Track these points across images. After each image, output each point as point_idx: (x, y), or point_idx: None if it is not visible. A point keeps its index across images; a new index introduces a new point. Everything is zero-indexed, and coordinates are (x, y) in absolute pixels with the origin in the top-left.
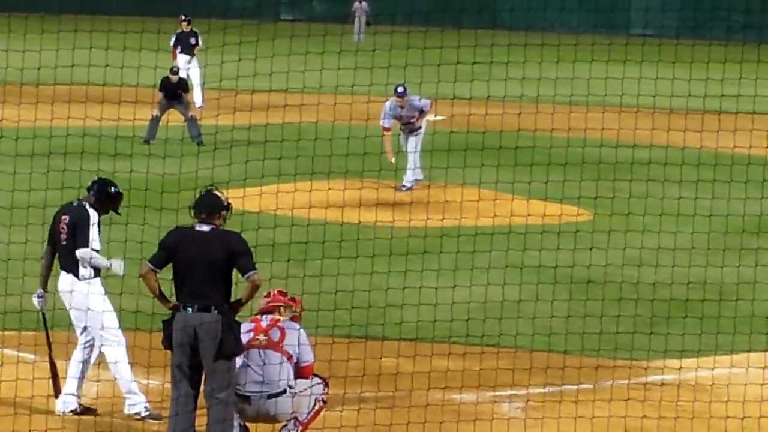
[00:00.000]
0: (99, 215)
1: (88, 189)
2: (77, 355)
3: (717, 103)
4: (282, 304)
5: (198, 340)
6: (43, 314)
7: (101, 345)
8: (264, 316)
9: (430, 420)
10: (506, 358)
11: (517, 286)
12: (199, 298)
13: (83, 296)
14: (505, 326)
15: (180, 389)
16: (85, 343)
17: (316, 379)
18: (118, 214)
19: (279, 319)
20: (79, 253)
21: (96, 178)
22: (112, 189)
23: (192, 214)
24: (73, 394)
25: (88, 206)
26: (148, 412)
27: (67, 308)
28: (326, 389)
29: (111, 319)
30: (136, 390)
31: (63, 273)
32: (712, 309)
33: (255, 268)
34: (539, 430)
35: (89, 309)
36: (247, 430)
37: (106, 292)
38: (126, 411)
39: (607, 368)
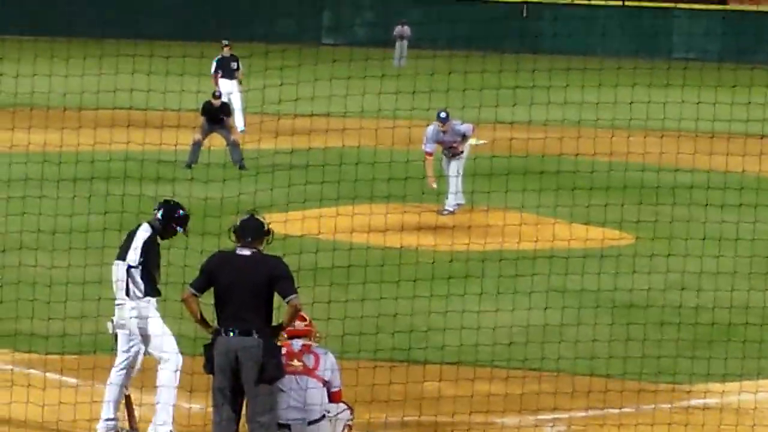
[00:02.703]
0: (155, 235)
1: (155, 210)
2: (116, 378)
3: (760, 126)
4: (313, 329)
5: (239, 364)
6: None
7: (160, 367)
8: (294, 341)
9: None
10: (548, 382)
11: (559, 310)
12: (240, 322)
13: (136, 317)
14: (547, 350)
15: (222, 413)
16: (122, 364)
17: (343, 406)
18: (186, 235)
19: (311, 345)
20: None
21: (163, 201)
22: (180, 212)
23: (233, 238)
24: (113, 419)
25: (145, 224)
26: None
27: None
28: (352, 415)
29: (170, 342)
30: (172, 416)
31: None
32: (755, 333)
33: (296, 292)
34: None
35: (147, 332)
36: None
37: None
38: None
39: (649, 392)
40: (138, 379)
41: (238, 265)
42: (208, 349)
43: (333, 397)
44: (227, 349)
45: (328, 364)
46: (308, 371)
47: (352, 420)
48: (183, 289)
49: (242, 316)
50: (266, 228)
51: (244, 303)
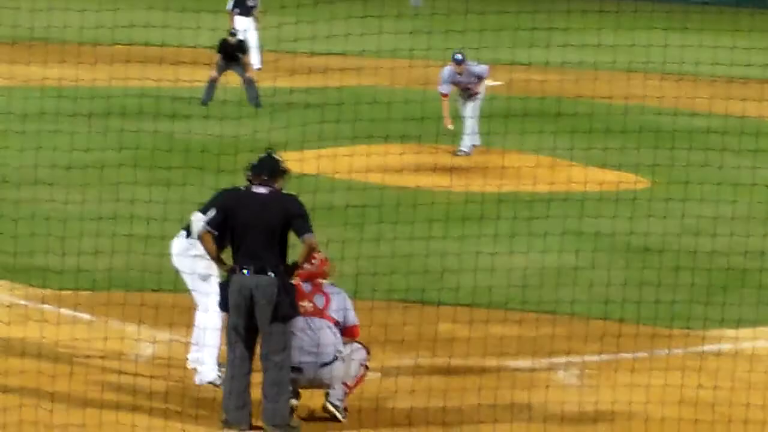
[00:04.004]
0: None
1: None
2: (208, 321)
3: None
4: (326, 267)
5: (254, 303)
6: None
7: (198, 309)
8: (305, 282)
9: (485, 386)
10: (562, 326)
11: (573, 253)
12: (255, 260)
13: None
14: (561, 293)
15: (236, 351)
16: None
17: (358, 345)
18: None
19: (321, 284)
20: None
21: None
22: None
23: (248, 176)
24: (213, 363)
25: None
26: (221, 380)
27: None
28: (368, 355)
29: (215, 284)
30: (217, 360)
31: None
32: None
33: (311, 231)
34: (595, 398)
35: (195, 272)
36: (299, 394)
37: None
38: (199, 380)
39: (663, 337)
40: (169, 316)
41: (254, 203)
42: (224, 287)
43: (350, 333)
44: (242, 286)
45: (338, 303)
46: (319, 312)
47: (368, 360)
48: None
49: (258, 254)
50: (283, 167)
51: (259, 241)
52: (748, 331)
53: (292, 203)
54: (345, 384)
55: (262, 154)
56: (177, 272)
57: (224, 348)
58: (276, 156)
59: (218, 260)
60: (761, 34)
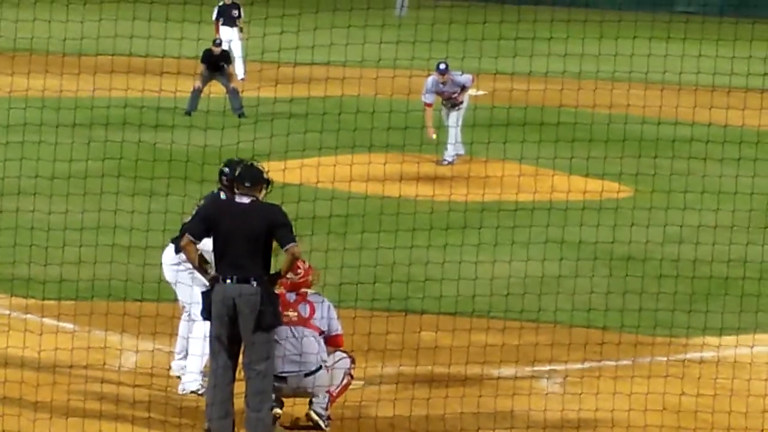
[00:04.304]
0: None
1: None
2: (193, 330)
3: (760, 81)
4: (311, 276)
5: (237, 312)
6: None
7: (188, 318)
8: (290, 291)
9: (468, 395)
10: (545, 334)
11: (557, 261)
12: (238, 270)
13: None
14: (544, 302)
15: (219, 360)
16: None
17: (343, 354)
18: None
19: (306, 293)
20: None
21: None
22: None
23: (224, 183)
24: (197, 373)
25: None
26: (204, 389)
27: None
28: (353, 364)
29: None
30: (201, 369)
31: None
32: (752, 287)
33: (295, 240)
34: (577, 406)
35: (179, 282)
36: (282, 403)
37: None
38: (182, 389)
39: (646, 345)
40: (151, 326)
41: (237, 213)
42: (206, 296)
43: (334, 342)
44: (225, 296)
45: (323, 312)
46: (303, 321)
47: (353, 369)
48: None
49: (241, 264)
50: (265, 176)
51: (242, 251)
52: (731, 339)
53: (275, 213)
54: (329, 392)
55: (245, 164)
56: (168, 282)
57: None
58: (258, 166)
59: (201, 269)
60: (744, 43)
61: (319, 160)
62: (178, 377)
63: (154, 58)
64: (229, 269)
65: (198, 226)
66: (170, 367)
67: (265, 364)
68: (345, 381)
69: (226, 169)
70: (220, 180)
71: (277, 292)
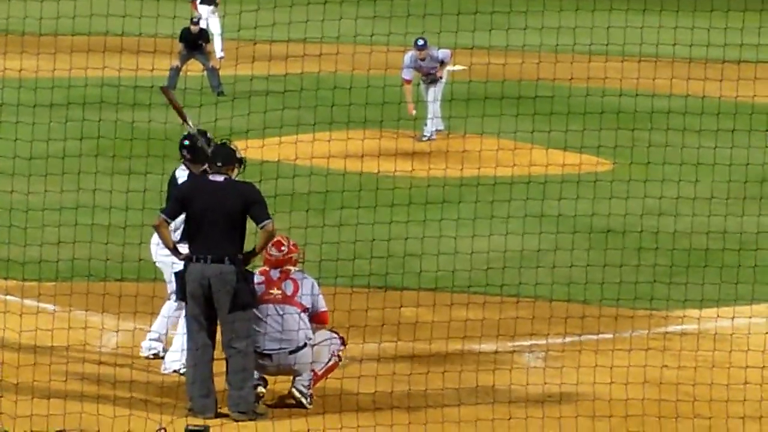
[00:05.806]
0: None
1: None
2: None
3: (737, 52)
4: (295, 254)
5: (212, 291)
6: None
7: (170, 296)
8: (274, 269)
9: (449, 369)
10: (526, 308)
11: (536, 235)
12: (213, 249)
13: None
14: (524, 276)
15: (197, 340)
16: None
17: (333, 334)
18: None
19: (290, 271)
20: None
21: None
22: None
23: (186, 157)
24: (179, 351)
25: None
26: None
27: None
28: (343, 347)
29: None
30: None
31: None
32: (732, 258)
33: (270, 217)
34: (559, 380)
35: (162, 262)
36: (266, 381)
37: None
38: (165, 368)
39: (626, 318)
40: (132, 305)
41: (211, 191)
42: (180, 276)
43: (319, 319)
44: (200, 275)
45: (307, 289)
46: (287, 299)
47: (341, 350)
48: (155, 216)
49: (215, 243)
50: (238, 155)
51: (217, 229)
52: (711, 311)
53: (249, 190)
54: (313, 371)
55: (218, 143)
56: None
57: None
58: (231, 145)
59: (174, 250)
60: (721, 14)
61: (297, 137)
62: (147, 357)
63: (131, 36)
64: (204, 248)
65: (173, 206)
66: (140, 346)
67: (245, 342)
68: (331, 362)
69: (187, 142)
70: (182, 155)
71: (260, 269)
